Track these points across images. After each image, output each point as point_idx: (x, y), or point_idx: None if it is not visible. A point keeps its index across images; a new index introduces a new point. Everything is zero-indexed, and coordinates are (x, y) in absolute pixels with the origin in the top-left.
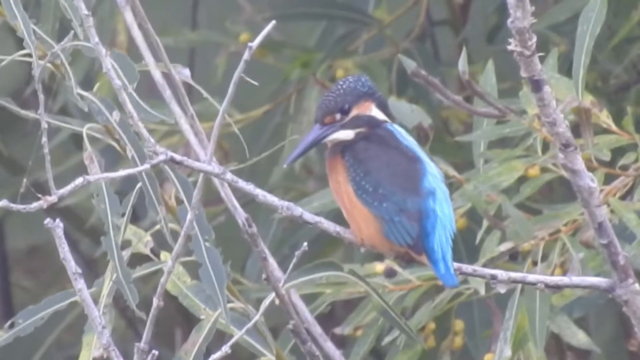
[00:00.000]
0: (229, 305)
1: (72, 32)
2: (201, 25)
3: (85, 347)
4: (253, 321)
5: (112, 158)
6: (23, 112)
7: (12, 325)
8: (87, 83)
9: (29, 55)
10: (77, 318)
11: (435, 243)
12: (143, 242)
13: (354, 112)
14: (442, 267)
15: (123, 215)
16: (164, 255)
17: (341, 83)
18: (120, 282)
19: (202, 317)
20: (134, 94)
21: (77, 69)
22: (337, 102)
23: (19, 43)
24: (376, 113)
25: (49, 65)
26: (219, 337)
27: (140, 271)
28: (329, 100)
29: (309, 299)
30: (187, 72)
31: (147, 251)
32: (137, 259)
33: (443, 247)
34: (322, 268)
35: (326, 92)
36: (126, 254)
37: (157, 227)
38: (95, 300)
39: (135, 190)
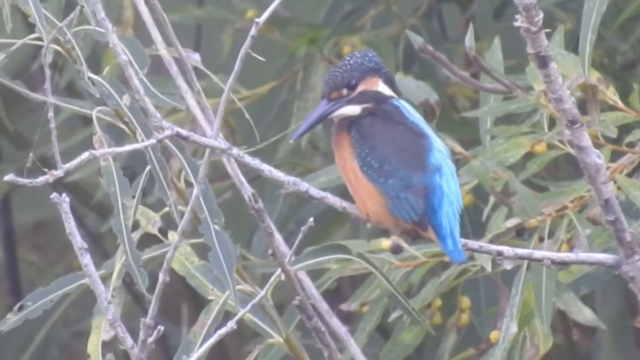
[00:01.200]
0: (238, 287)
1: (78, 7)
2: (207, 1)
3: (95, 330)
4: (258, 297)
5: (120, 140)
6: (33, 95)
7: (21, 308)
8: (93, 62)
9: (39, 39)
10: (83, 293)
11: (442, 219)
12: (152, 222)
13: (360, 88)
14: (450, 243)
15: (132, 197)
16: (171, 235)
17: (348, 59)
18: (130, 265)
19: (211, 297)
20: (145, 80)
21: (83, 48)
22: (344, 78)
23: (25, 22)
24: (383, 89)
25: (58, 48)
26: (224, 315)
27: (149, 253)
28: (336, 75)
29: (314, 275)
30: (197, 56)
31: (155, 232)
32: (145, 239)
33: (451, 223)
34: (329, 250)
35: (333, 68)
36: (135, 236)
37: (166, 209)
38: (104, 281)
39: (144, 173)
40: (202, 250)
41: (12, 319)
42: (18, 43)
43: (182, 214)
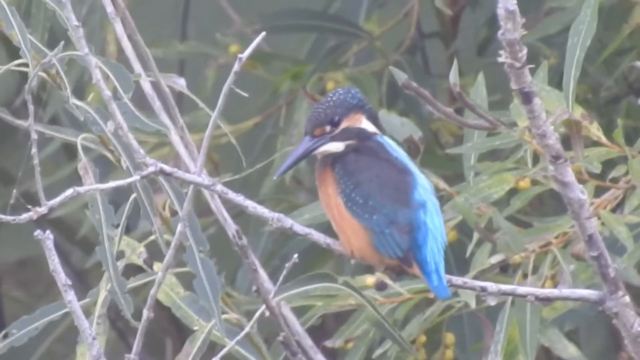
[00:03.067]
0: (223, 316)
1: (62, 42)
2: (191, 36)
3: (80, 358)
4: (244, 331)
5: (105, 168)
6: (17, 122)
7: (5, 336)
8: (77, 93)
9: (22, 65)
10: (68, 329)
11: (427, 255)
12: (137, 253)
13: (344, 124)
14: (435, 279)
15: (117, 226)
16: (157, 266)
17: (331, 95)
18: (115, 292)
19: (196, 328)
20: (129, 104)
21: (68, 73)
22: (327, 114)
23: (9, 53)
24: (366, 125)
25: (43, 74)
26: (210, 348)
27: (135, 282)
28: (319, 112)
29: (299, 311)
30: (182, 82)
31: (140, 262)
32: (130, 270)
33: (435, 258)
34: (315, 280)
35: (316, 104)
36: (120, 264)
37: (151, 238)
38: (90, 311)
39: (129, 201)
40: (188, 282)
41: None
42: (2, 69)
43: (167, 242)
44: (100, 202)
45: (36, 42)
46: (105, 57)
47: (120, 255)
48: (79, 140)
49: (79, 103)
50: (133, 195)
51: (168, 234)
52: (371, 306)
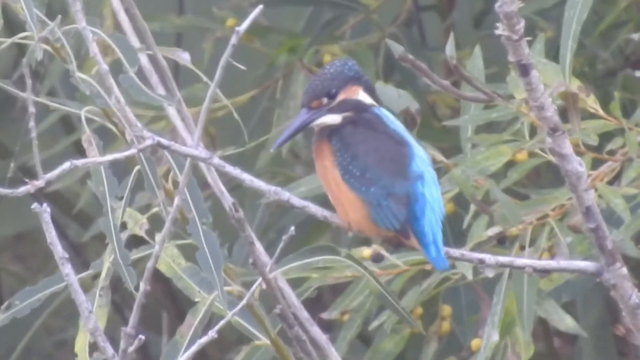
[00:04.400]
0: (226, 288)
1: (59, 16)
2: (188, 10)
3: (82, 330)
4: (243, 302)
5: (108, 140)
6: (20, 94)
7: (8, 307)
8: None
9: (26, 38)
10: (65, 302)
11: (425, 226)
12: (139, 224)
13: (341, 96)
14: (433, 250)
15: (120, 198)
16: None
17: (328, 67)
18: (119, 264)
19: (197, 299)
20: (135, 77)
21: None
22: (324, 87)
23: (7, 25)
24: (363, 97)
25: (47, 47)
26: (210, 319)
27: (137, 254)
28: (316, 84)
29: (295, 283)
30: (186, 55)
31: (142, 233)
32: (131, 242)
33: (434, 230)
34: (316, 252)
35: (313, 76)
36: (124, 236)
37: (154, 210)
38: (91, 285)
39: (133, 173)
40: (189, 253)
41: (0, 318)
42: (7, 42)
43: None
44: (104, 173)
45: (41, 15)
46: (103, 30)
47: (123, 227)
48: (83, 112)
49: (83, 76)
50: (136, 167)
51: (170, 206)
52: (372, 278)
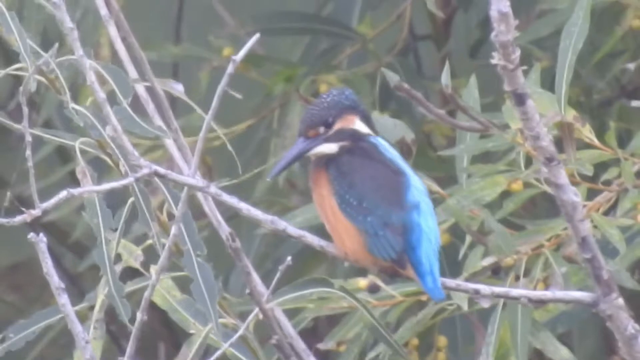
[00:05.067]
0: (220, 320)
1: (56, 44)
2: (184, 39)
3: None
4: (238, 334)
5: (102, 171)
6: (15, 126)
7: (2, 340)
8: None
9: (20, 69)
10: (61, 332)
11: (422, 256)
12: (133, 256)
13: (337, 126)
14: (430, 281)
15: (115, 229)
16: (154, 269)
17: (325, 96)
18: (113, 296)
19: (192, 331)
20: (128, 109)
21: (66, 78)
22: (321, 116)
23: (3, 55)
24: (360, 126)
25: (41, 78)
26: (205, 351)
27: (132, 286)
28: (313, 113)
29: (291, 313)
30: (179, 87)
31: (137, 265)
32: (126, 273)
33: (430, 260)
34: (311, 284)
35: (310, 105)
36: (118, 268)
37: (149, 241)
38: (87, 315)
39: (127, 205)
40: (184, 285)
41: None
42: (1, 73)
43: (164, 246)
44: (98, 205)
45: (34, 45)
46: (99, 60)
47: (117, 258)
48: (77, 144)
49: (77, 107)
50: (131, 199)
51: (165, 237)
52: (366, 310)
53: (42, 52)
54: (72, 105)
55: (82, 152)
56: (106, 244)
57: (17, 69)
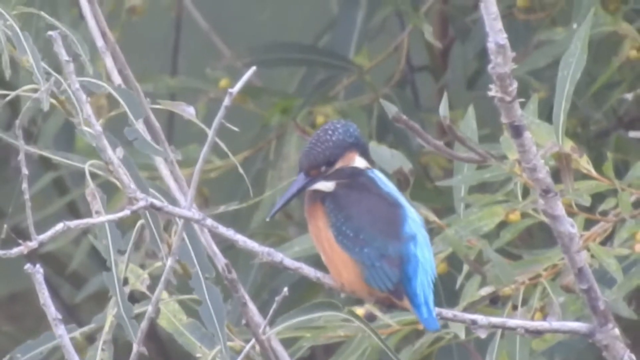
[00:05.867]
0: (229, 343)
1: (52, 78)
2: (181, 71)
3: None
4: (244, 352)
5: (110, 193)
6: (17, 146)
7: None
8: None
9: (32, 90)
10: None
11: (417, 287)
12: (140, 280)
13: (338, 164)
14: (425, 312)
15: (123, 251)
16: (162, 294)
17: (330, 133)
18: (122, 317)
19: (199, 355)
20: (139, 129)
21: (58, 114)
22: (325, 156)
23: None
24: (359, 162)
25: (52, 100)
26: None
27: (139, 308)
28: (317, 152)
29: (288, 343)
30: (191, 110)
31: (143, 289)
32: (131, 297)
33: (425, 291)
34: (318, 308)
35: (314, 139)
36: (127, 290)
37: (157, 264)
38: (96, 337)
39: (136, 227)
40: (190, 308)
41: None
42: (13, 94)
43: (173, 268)
44: (108, 227)
45: (48, 68)
46: (95, 93)
47: (124, 281)
48: (87, 166)
49: (88, 130)
50: (140, 221)
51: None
52: (373, 333)
53: (53, 73)
54: (83, 127)
55: (92, 175)
56: (116, 266)
57: (28, 90)
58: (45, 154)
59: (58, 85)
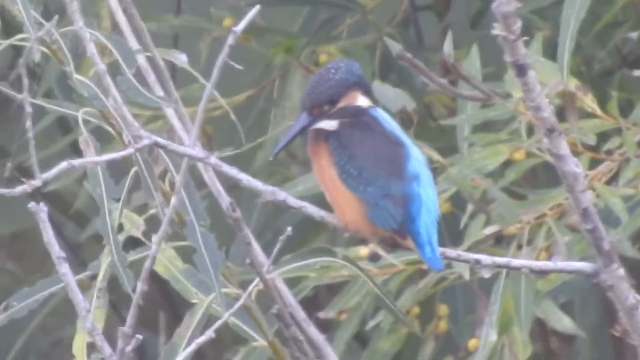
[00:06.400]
0: (223, 290)
1: (56, 16)
2: (185, 10)
3: (80, 331)
4: (239, 303)
5: (105, 141)
6: (18, 96)
7: (6, 308)
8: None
9: (23, 40)
10: (62, 302)
11: (420, 227)
12: (136, 226)
13: (341, 103)
14: (428, 251)
15: (117, 199)
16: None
17: (333, 72)
18: (116, 265)
19: (195, 301)
20: (132, 79)
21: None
22: (328, 95)
23: (4, 27)
24: (362, 101)
25: (43, 49)
26: (206, 321)
27: (134, 255)
28: (320, 91)
29: (292, 282)
30: (183, 57)
31: (139, 235)
32: (128, 243)
33: (429, 230)
34: (314, 253)
35: (316, 78)
36: (121, 238)
37: (151, 211)
38: (88, 285)
39: (130, 174)
40: (186, 254)
41: None
42: (4, 44)
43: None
44: (101, 174)
45: (38, 16)
46: (100, 32)
47: (119, 228)
48: (80, 114)
49: (81, 78)
50: (134, 169)
51: (167, 207)
52: (368, 278)
53: (45, 23)
54: (75, 75)
55: (85, 122)
56: (109, 214)
57: (19, 40)
58: (39, 101)
59: (50, 35)
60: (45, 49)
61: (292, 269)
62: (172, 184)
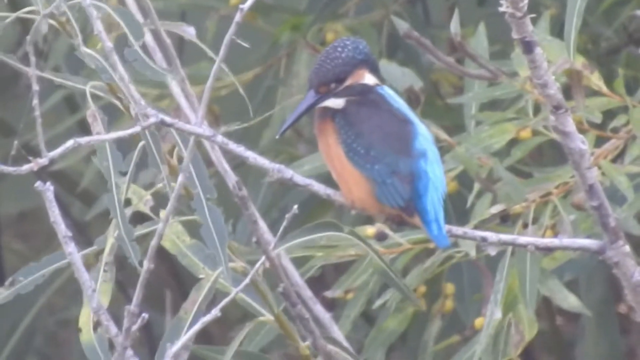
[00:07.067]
0: (230, 264)
1: None
2: None
3: (86, 305)
4: (247, 279)
5: (113, 115)
6: (25, 69)
7: (12, 284)
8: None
9: (30, 12)
10: (68, 281)
11: (427, 204)
12: (143, 200)
13: (348, 81)
14: (435, 228)
15: (124, 173)
16: (163, 214)
17: (340, 50)
18: (123, 239)
19: (202, 276)
20: (140, 51)
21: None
22: (335, 73)
23: (11, 2)
24: (368, 79)
25: (52, 22)
26: (214, 296)
27: (141, 230)
28: (327, 69)
29: (299, 262)
30: (191, 30)
31: (146, 210)
32: (135, 218)
33: (435, 208)
34: (320, 229)
35: (323, 56)
36: (128, 212)
37: (158, 186)
38: (90, 262)
39: (137, 149)
40: (193, 230)
41: (4, 294)
42: (12, 16)
43: (174, 190)
44: (109, 148)
45: None
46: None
47: (127, 203)
48: (88, 87)
49: (89, 51)
50: (141, 143)
51: (175, 181)
52: (376, 255)
53: None
54: (83, 48)
55: (93, 96)
56: (116, 188)
57: (27, 13)
58: (47, 74)
59: (59, 8)
60: (53, 23)
61: (298, 244)
62: (180, 159)
